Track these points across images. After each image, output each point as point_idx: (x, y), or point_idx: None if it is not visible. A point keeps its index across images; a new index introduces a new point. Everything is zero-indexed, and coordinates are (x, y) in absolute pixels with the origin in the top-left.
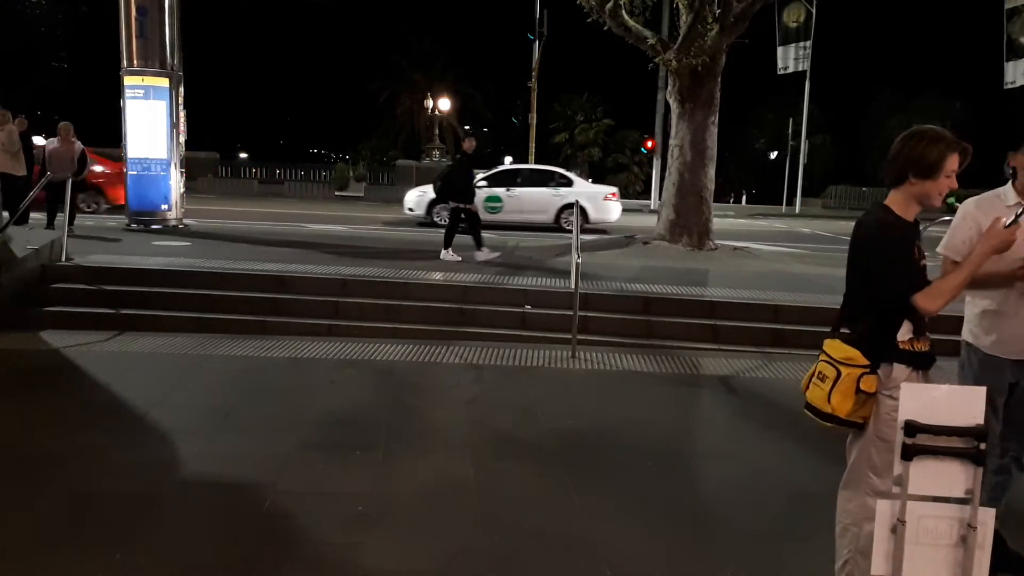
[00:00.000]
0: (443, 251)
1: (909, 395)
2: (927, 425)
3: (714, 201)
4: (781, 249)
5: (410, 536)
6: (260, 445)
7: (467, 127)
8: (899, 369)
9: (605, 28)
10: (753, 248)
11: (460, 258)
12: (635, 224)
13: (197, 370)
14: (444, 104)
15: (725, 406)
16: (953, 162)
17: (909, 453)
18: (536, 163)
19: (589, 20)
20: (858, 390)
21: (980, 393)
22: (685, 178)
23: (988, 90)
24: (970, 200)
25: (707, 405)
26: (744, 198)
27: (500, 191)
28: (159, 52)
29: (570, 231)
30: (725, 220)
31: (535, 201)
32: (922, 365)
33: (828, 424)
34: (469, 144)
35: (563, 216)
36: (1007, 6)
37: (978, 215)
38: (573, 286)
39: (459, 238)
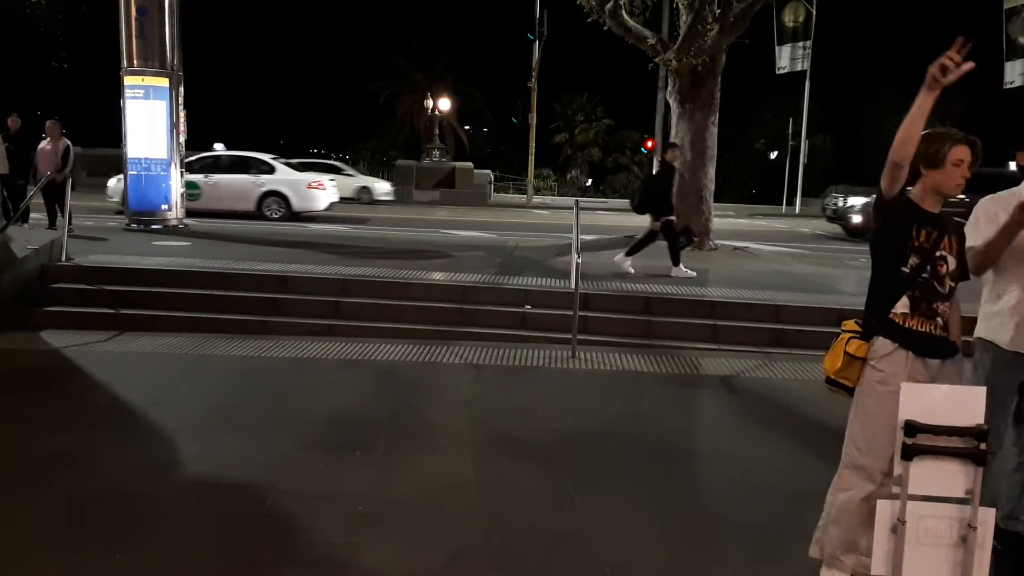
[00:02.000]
0: (673, 268)
1: (909, 395)
2: (927, 425)
3: (715, 202)
4: (781, 249)
5: (410, 536)
6: (260, 445)
7: (467, 127)
8: (881, 342)
9: (605, 28)
10: (753, 248)
11: (694, 273)
12: (636, 224)
13: (197, 370)
14: (444, 104)
15: (725, 406)
16: (959, 152)
17: (909, 453)
18: (536, 163)
19: (589, 20)
20: (846, 352)
21: (980, 393)
22: (685, 178)
23: (988, 90)
24: (987, 197)
25: (707, 405)
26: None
27: (199, 178)
28: (159, 52)
29: (273, 220)
30: (725, 220)
31: (235, 188)
32: (914, 346)
33: (827, 385)
34: (672, 154)
35: (265, 204)
36: (1006, 6)
37: (998, 210)
38: (573, 286)
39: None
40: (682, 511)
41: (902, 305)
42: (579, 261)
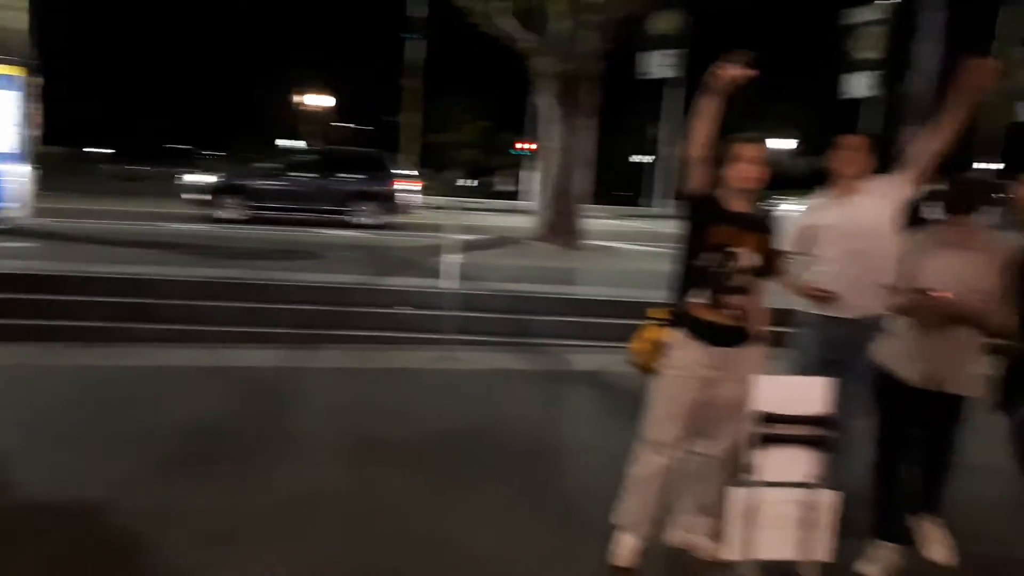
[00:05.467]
0: None
1: (764, 387)
2: (778, 415)
3: (588, 204)
4: (648, 248)
5: (272, 552)
6: (109, 463)
7: (343, 124)
8: (676, 331)
9: (482, 30)
10: (622, 248)
11: None
12: (513, 224)
13: (37, 383)
14: (319, 101)
15: (595, 401)
16: (744, 150)
17: (761, 442)
18: (416, 163)
19: (467, 20)
20: (649, 339)
21: (824, 383)
22: (561, 180)
23: (830, 100)
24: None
25: (578, 400)
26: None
27: None
28: (10, 40)
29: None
30: (597, 221)
31: None
32: (704, 335)
33: (634, 367)
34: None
35: None
36: (843, 22)
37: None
38: (449, 286)
39: None
40: (555, 507)
41: (697, 296)
42: (455, 261)
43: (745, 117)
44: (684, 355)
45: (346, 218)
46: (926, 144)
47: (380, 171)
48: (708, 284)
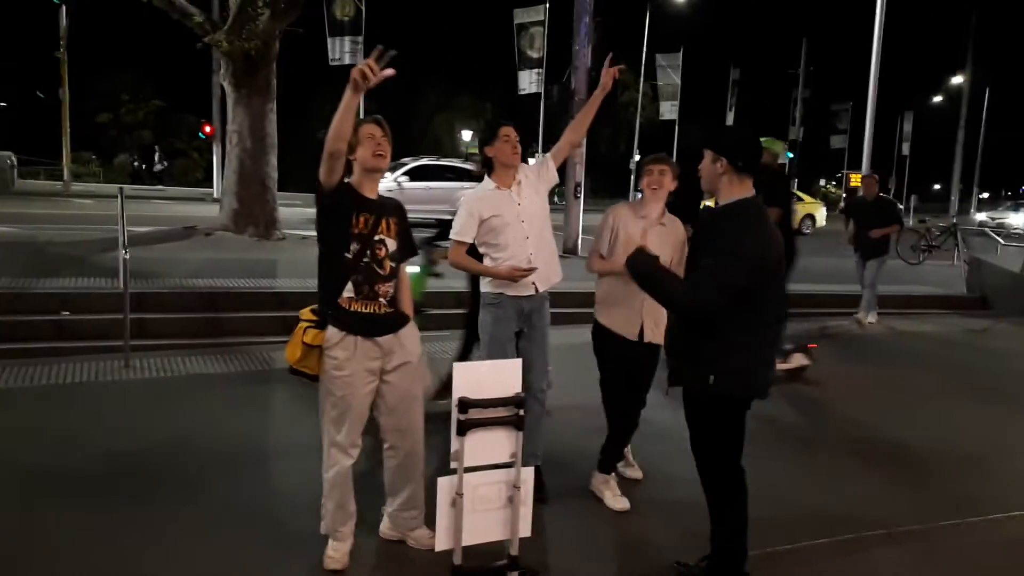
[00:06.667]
0: None
1: (459, 374)
2: (476, 400)
3: (280, 192)
4: None
5: None
6: None
7: None
8: (332, 331)
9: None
10: None
11: None
12: (196, 213)
13: None
14: None
15: (298, 399)
16: (368, 129)
17: (463, 428)
18: (74, 145)
19: None
20: (303, 342)
21: (516, 365)
22: (247, 166)
23: (510, 94)
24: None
25: (280, 400)
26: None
27: None
28: None
29: None
30: (293, 209)
31: None
32: (361, 330)
33: (291, 374)
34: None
35: None
36: (516, 21)
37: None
38: (122, 285)
39: None
40: (260, 519)
41: (348, 290)
42: (127, 257)
43: (435, 109)
44: (348, 354)
45: None
46: (567, 134)
47: None
48: (359, 275)
